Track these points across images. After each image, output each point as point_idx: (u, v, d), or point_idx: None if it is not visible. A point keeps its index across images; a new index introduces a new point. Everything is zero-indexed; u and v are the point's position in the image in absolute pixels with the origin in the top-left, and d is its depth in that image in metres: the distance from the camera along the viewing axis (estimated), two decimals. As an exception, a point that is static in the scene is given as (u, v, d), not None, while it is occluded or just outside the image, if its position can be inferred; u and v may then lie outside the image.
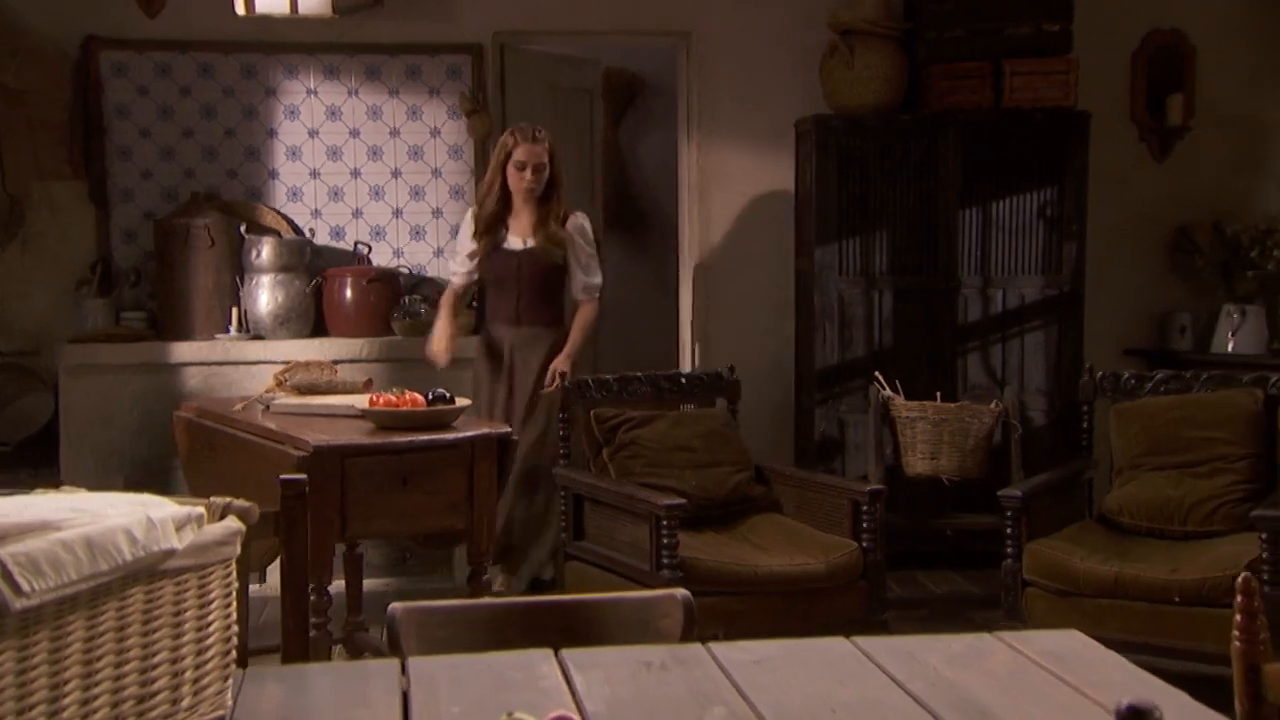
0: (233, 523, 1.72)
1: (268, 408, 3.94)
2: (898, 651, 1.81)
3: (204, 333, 5.55)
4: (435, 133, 5.89)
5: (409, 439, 3.56)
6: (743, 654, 1.87)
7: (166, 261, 5.55)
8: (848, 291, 5.60)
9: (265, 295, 5.56)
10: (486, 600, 2.24)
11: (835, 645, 1.88)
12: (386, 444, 3.54)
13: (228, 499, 1.74)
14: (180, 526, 1.63)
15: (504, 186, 4.79)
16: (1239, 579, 1.62)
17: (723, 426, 4.70)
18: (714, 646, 1.91)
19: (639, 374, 4.75)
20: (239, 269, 5.61)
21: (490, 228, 4.82)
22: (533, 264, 4.81)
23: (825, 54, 5.75)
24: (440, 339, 4.92)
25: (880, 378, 4.77)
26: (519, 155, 4.74)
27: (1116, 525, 4.28)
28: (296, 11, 5.51)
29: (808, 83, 5.82)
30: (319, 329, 5.68)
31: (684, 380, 4.79)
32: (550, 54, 6.28)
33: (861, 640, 1.88)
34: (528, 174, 4.74)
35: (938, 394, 4.82)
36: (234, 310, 5.56)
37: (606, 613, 2.14)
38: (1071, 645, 1.81)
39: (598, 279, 4.94)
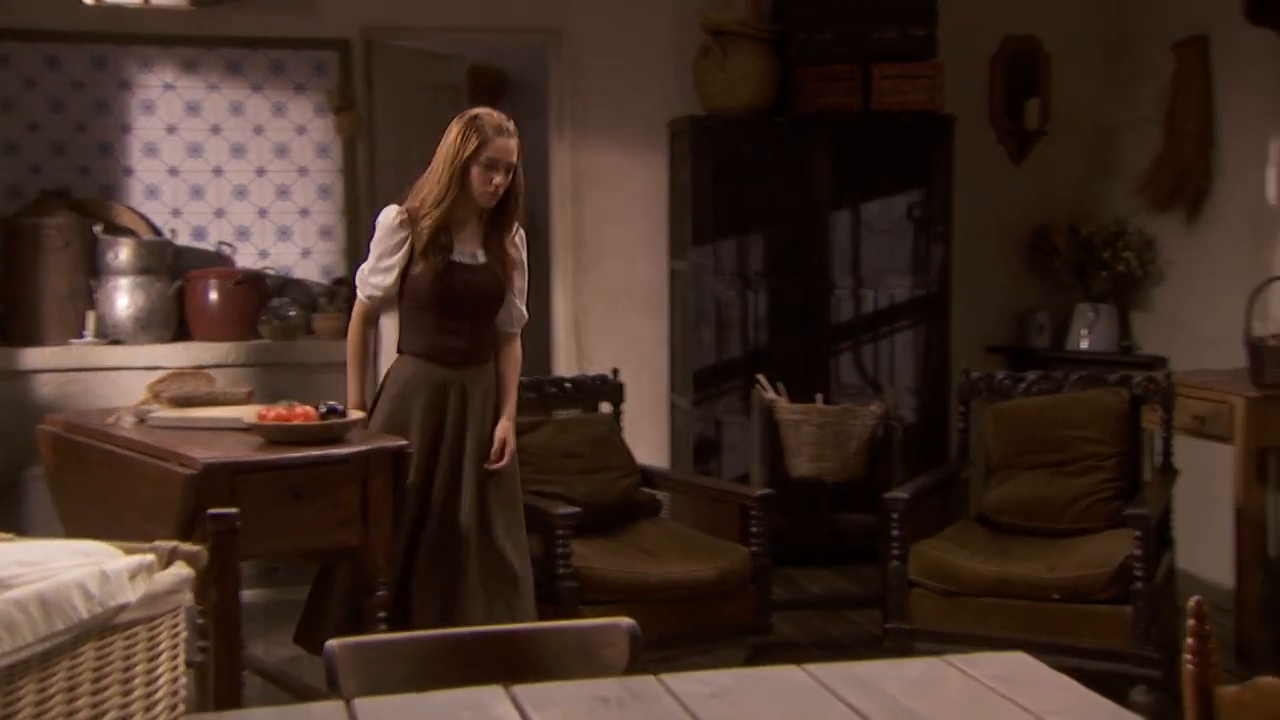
0: (181, 569, 1.64)
1: (143, 421, 3.77)
2: (853, 680, 1.83)
3: (56, 338, 5.30)
4: (301, 130, 5.73)
5: (301, 454, 3.46)
6: (697, 685, 1.87)
7: (14, 263, 5.28)
8: (723, 292, 5.65)
9: (124, 298, 5.34)
10: (427, 632, 2.18)
11: (788, 674, 1.89)
12: (278, 460, 3.43)
13: (173, 543, 1.66)
14: (133, 576, 1.55)
15: (459, 187, 3.68)
16: (1191, 603, 1.67)
17: (608, 431, 4.69)
18: (666, 678, 1.90)
19: (523, 379, 4.70)
20: (94, 271, 5.36)
21: (436, 238, 3.70)
22: (492, 285, 3.79)
23: (698, 55, 5.78)
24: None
25: (764, 380, 4.81)
26: (490, 152, 3.65)
27: (995, 524, 4.41)
28: (149, 2, 5.30)
29: (681, 83, 5.84)
30: (181, 333, 5.48)
31: (568, 385, 4.77)
32: (418, 50, 6.16)
33: (813, 668, 1.89)
34: (498, 176, 3.68)
35: (819, 396, 4.88)
36: (89, 314, 5.32)
37: (549, 643, 2.11)
38: (1020, 668, 1.85)
39: (524, 310, 4.00)
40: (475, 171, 3.66)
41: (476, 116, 3.70)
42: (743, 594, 4.21)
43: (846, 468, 4.59)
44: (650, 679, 1.91)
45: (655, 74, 5.92)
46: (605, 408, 4.82)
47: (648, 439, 5.53)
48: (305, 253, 5.75)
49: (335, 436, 3.56)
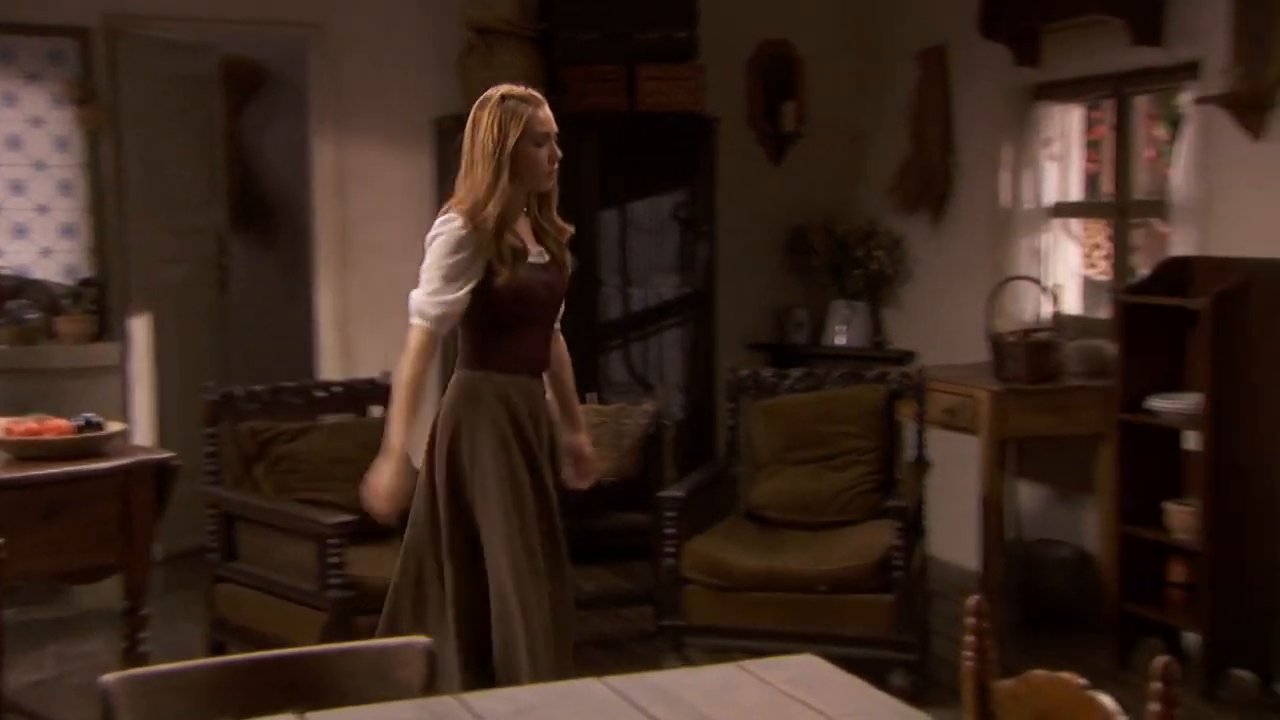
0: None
1: None
2: (653, 690, 1.86)
3: None
4: (36, 122, 5.40)
5: (53, 470, 3.27)
6: (500, 704, 1.86)
7: None
8: (493, 292, 5.61)
9: None
10: (209, 660, 2.09)
11: (589, 688, 1.90)
12: (27, 477, 3.24)
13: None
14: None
15: (511, 177, 3.16)
16: (970, 601, 1.76)
17: (380, 436, 4.60)
18: (468, 698, 1.89)
19: (291, 384, 4.57)
20: None
21: (508, 241, 3.18)
22: (561, 282, 3.38)
23: (463, 52, 5.73)
24: (390, 474, 3.26)
25: (537, 381, 4.81)
26: (538, 126, 3.16)
27: (764, 519, 4.54)
28: None
29: (446, 80, 5.78)
30: (-93, 337, 5.09)
31: (338, 388, 4.65)
32: (166, 40, 5.89)
33: (613, 681, 1.91)
34: (552, 150, 3.22)
35: (593, 395, 4.91)
36: None
37: (341, 665, 2.06)
38: (811, 670, 1.92)
39: None
40: (529, 152, 3.18)
41: (505, 96, 3.20)
42: (518, 597, 4.20)
43: (621, 467, 4.64)
44: (450, 699, 1.89)
45: (420, 70, 5.84)
46: (377, 411, 4.72)
47: (419, 441, 5.44)
48: (45, 252, 5.42)
49: (92, 451, 3.38)
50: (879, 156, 6.12)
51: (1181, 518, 4.20)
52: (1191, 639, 4.27)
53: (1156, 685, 1.42)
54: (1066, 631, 4.75)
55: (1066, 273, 5.40)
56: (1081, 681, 1.56)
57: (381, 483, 3.25)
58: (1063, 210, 5.39)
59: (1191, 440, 4.25)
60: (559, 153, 3.25)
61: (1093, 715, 1.53)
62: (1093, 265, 5.57)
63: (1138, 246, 5.17)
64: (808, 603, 4.07)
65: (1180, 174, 4.67)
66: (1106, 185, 5.35)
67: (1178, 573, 4.32)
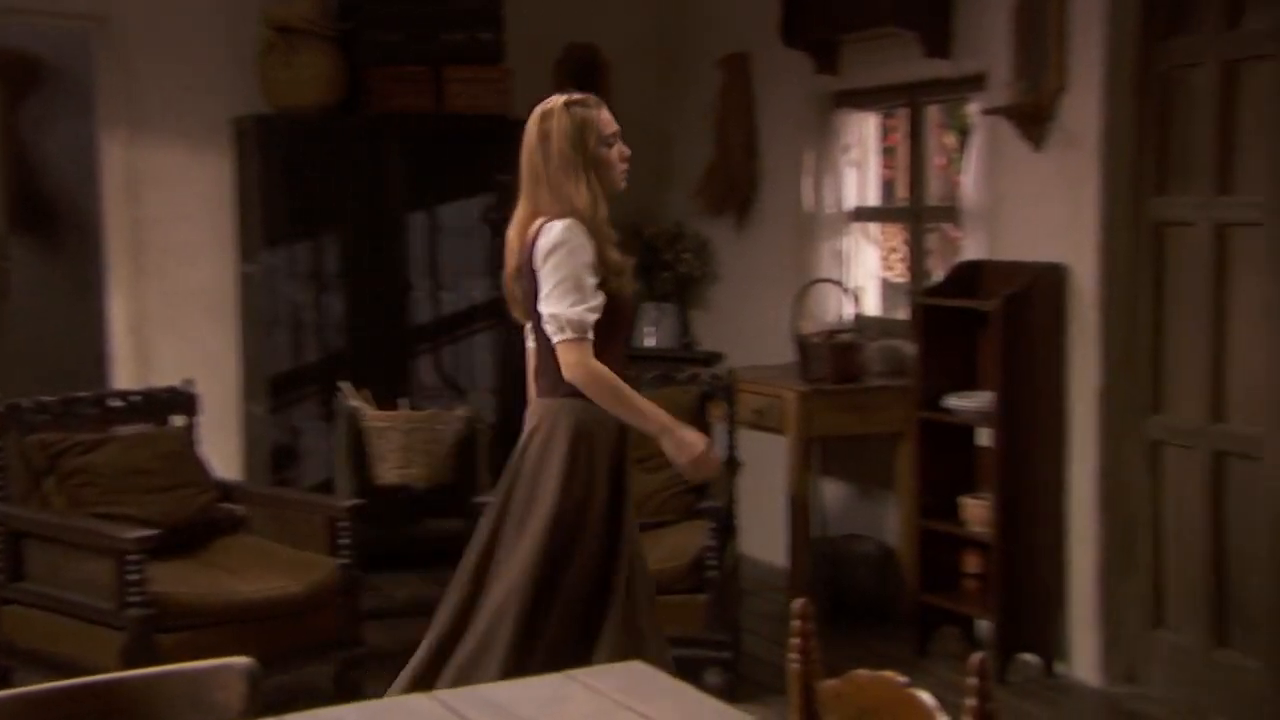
0: None
1: None
2: (485, 704, 1.85)
3: None
4: None
5: None
6: (326, 725, 1.83)
7: None
8: (299, 295, 5.50)
9: None
10: (11, 692, 1.98)
11: (420, 704, 1.88)
12: None
13: None
14: None
15: (599, 182, 3.10)
16: (795, 605, 1.81)
17: (181, 445, 4.46)
18: (288, 719, 1.85)
19: (84, 393, 4.38)
20: None
21: (608, 245, 3.09)
22: (636, 293, 3.26)
23: (261, 50, 5.58)
24: (694, 433, 3.20)
25: (347, 387, 4.73)
26: (607, 125, 3.13)
27: (579, 521, 4.55)
28: None
29: (244, 79, 5.61)
30: None
31: (135, 398, 4.48)
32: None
33: (444, 695, 1.89)
34: (623, 147, 3.17)
35: (405, 401, 4.86)
36: None
37: (153, 690, 1.99)
38: (640, 677, 1.94)
39: None
40: (605, 154, 3.12)
41: (572, 100, 3.15)
42: (332, 608, 4.13)
43: (435, 473, 4.60)
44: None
45: (217, 69, 5.66)
46: (177, 420, 4.57)
47: (222, 450, 5.28)
48: None
49: None
50: (685, 160, 6.22)
51: (975, 511, 4.40)
52: (984, 626, 4.47)
53: (972, 680, 1.48)
54: (870, 623, 4.91)
55: (866, 275, 5.59)
56: (902, 680, 1.63)
57: (697, 439, 3.16)
58: (862, 215, 5.58)
59: (984, 436, 4.45)
60: (628, 150, 3.18)
61: (913, 712, 1.59)
62: (890, 268, 5.79)
63: (932, 250, 5.39)
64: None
65: (969, 181, 4.89)
66: (902, 191, 5.56)
67: (972, 564, 4.52)
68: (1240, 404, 3.93)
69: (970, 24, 4.72)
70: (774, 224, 5.77)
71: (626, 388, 3.07)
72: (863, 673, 1.70)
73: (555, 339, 3.03)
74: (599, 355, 3.06)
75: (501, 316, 5.76)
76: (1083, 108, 4.23)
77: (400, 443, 4.54)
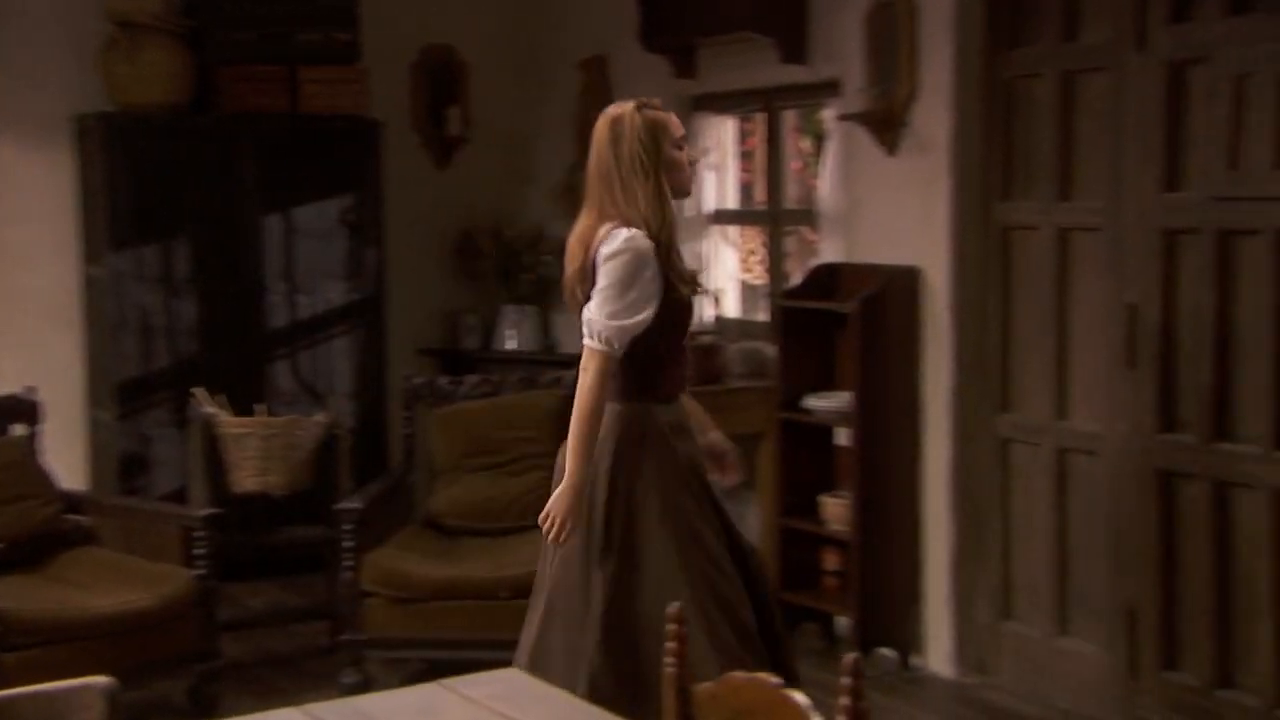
0: None
1: None
2: (356, 715, 1.83)
3: None
4: None
5: None
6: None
7: None
8: (148, 299, 5.34)
9: None
10: None
11: (288, 715, 1.85)
12: None
13: None
14: None
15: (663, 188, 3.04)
16: (670, 609, 1.83)
17: (23, 456, 4.30)
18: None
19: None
20: None
21: (675, 250, 3.06)
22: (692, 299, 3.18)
23: (104, 46, 5.41)
24: (574, 505, 2.98)
25: (201, 394, 4.61)
26: (677, 129, 3.09)
27: (443, 528, 4.53)
28: None
29: (86, 76, 5.43)
30: None
31: (-26, 408, 4.30)
32: None
33: (314, 708, 1.87)
34: (690, 153, 3.15)
35: (262, 407, 4.75)
36: None
37: (6, 715, 1.92)
38: (514, 685, 1.94)
39: None
40: (676, 158, 3.06)
41: (643, 104, 3.09)
42: (187, 620, 4.03)
43: (294, 480, 4.52)
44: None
45: (57, 65, 5.46)
46: (17, 429, 4.40)
47: (66, 460, 5.09)
48: None
49: None
50: (545, 162, 6.21)
51: (835, 510, 4.49)
52: (843, 623, 4.57)
53: (845, 680, 1.51)
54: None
55: (726, 277, 5.66)
56: (776, 681, 1.66)
57: (564, 510, 2.95)
58: (721, 218, 5.64)
59: (843, 436, 4.55)
60: (696, 155, 3.08)
61: (787, 713, 1.62)
62: (749, 270, 5.87)
63: (790, 253, 5.48)
64: (489, 609, 4.08)
65: (826, 185, 5.00)
66: (760, 194, 5.64)
67: (831, 561, 4.62)
68: (1081, 401, 4.09)
69: (825, 31, 4.82)
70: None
71: (588, 425, 2.97)
72: (738, 675, 1.73)
73: (584, 340, 3.00)
74: (662, 362, 3.05)
75: (361, 320, 5.70)
76: (934, 114, 4.36)
77: (258, 449, 4.46)
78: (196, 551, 4.06)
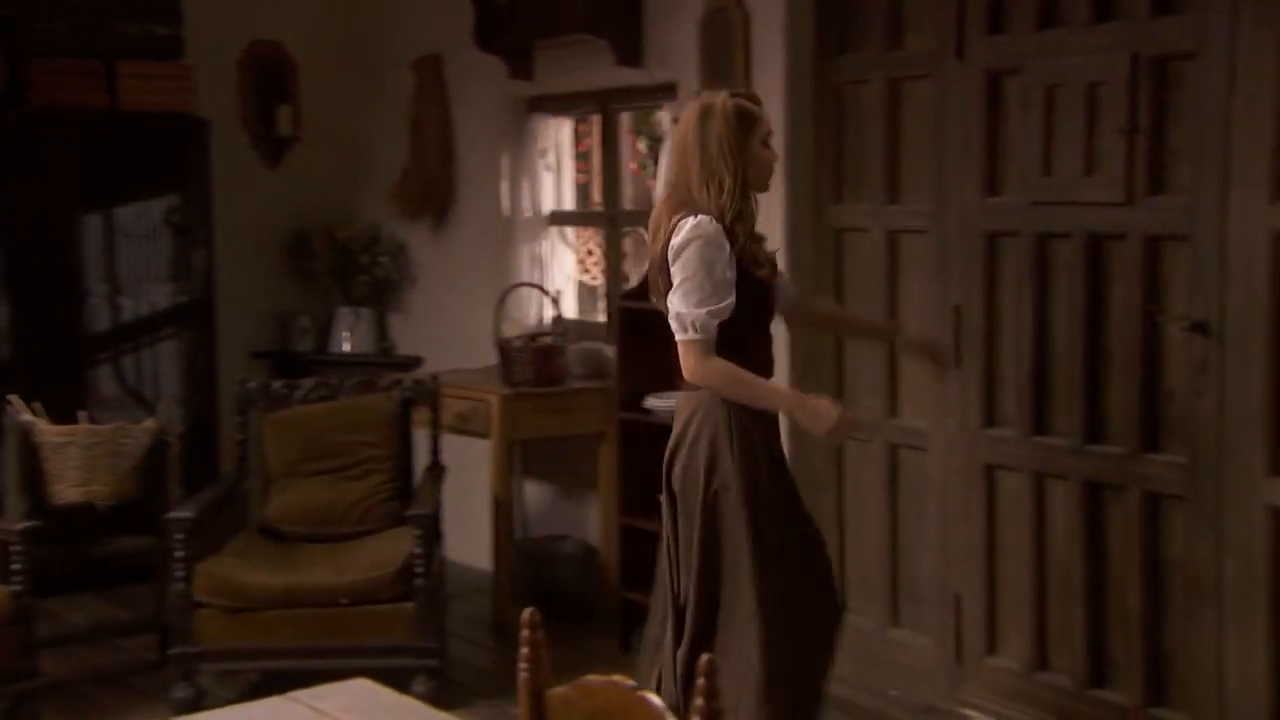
0: None
1: None
2: (201, 734, 1.78)
3: None
4: None
5: None
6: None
7: None
8: (-45, 303, 5.09)
9: None
10: None
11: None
12: None
13: None
14: None
15: (745, 180, 3.10)
16: (525, 614, 1.83)
17: None
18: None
19: None
20: None
21: (754, 238, 3.16)
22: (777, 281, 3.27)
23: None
24: (823, 403, 3.13)
25: (17, 401, 4.41)
26: (766, 125, 3.15)
27: (279, 534, 4.44)
28: None
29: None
30: None
31: None
32: None
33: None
34: (774, 149, 3.22)
35: (84, 414, 4.57)
36: None
37: None
38: (364, 695, 1.92)
39: None
40: (762, 154, 3.13)
41: (736, 94, 3.15)
42: (3, 638, 3.85)
43: (120, 489, 4.36)
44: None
45: None
46: None
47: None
48: None
49: None
50: (379, 162, 6.13)
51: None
52: (685, 617, 4.62)
53: (700, 681, 1.54)
54: (575, 621, 4.98)
55: (564, 278, 5.68)
56: (631, 684, 1.67)
57: (828, 407, 3.10)
58: (558, 219, 5.66)
59: (682, 435, 4.59)
60: (778, 154, 3.23)
61: (641, 714, 1.64)
62: (586, 271, 5.89)
63: (628, 254, 5.52)
64: (329, 617, 4.02)
65: (661, 187, 5.04)
66: (596, 195, 5.67)
67: (673, 558, 4.65)
68: (911, 399, 4.22)
69: (661, 34, 4.87)
70: (472, 227, 5.77)
71: (747, 376, 3.07)
72: (593, 678, 1.73)
73: (678, 337, 3.08)
74: (746, 343, 3.12)
75: (189, 323, 5.53)
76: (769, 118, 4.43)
77: (80, 459, 4.29)
78: (13, 566, 3.89)
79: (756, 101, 3.18)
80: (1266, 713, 3.34)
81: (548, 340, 4.98)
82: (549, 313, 5.34)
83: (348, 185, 6.25)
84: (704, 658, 1.56)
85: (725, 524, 3.08)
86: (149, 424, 4.47)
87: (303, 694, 1.91)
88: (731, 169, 3.06)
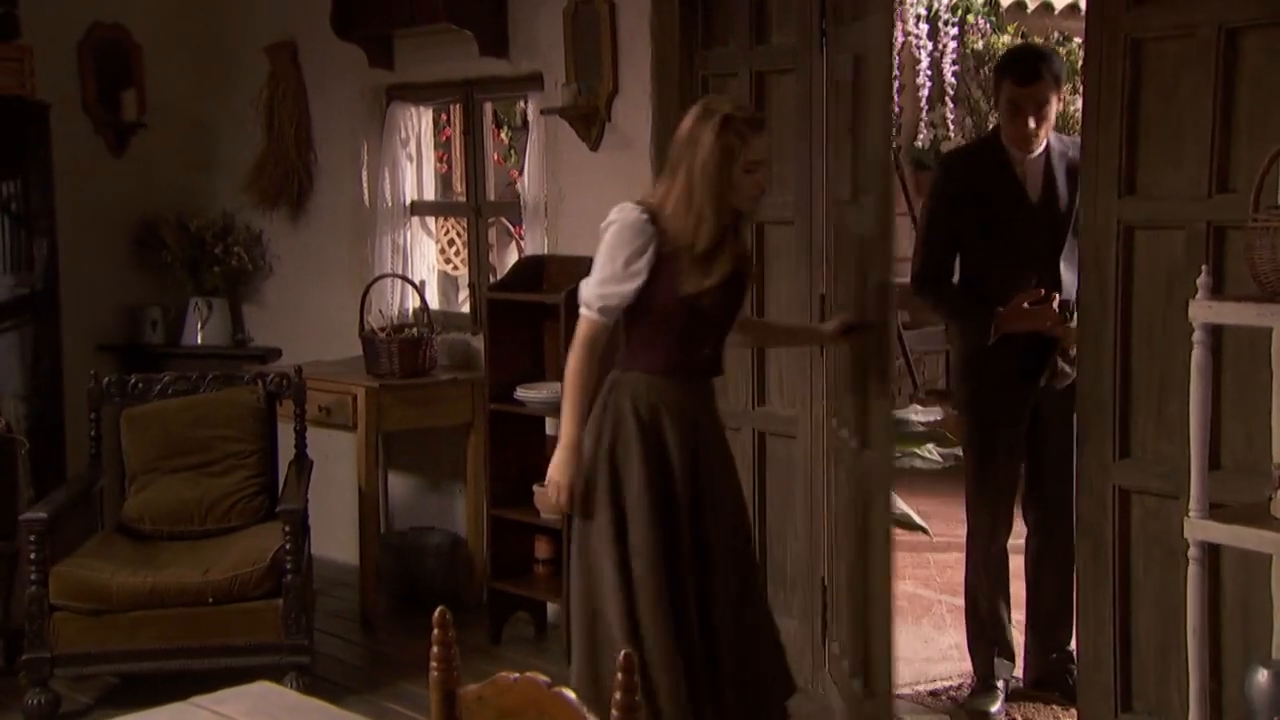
0: None
1: None
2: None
3: None
4: None
5: None
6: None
7: None
8: None
9: None
10: None
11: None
12: None
13: None
14: None
15: (722, 195, 3.11)
16: (436, 613, 1.83)
17: None
18: None
19: None
20: None
21: (714, 255, 3.14)
22: (745, 293, 3.33)
23: None
24: (570, 465, 3.13)
25: None
26: (752, 155, 3.12)
27: (138, 533, 4.31)
28: None
29: None
30: None
31: None
32: None
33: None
34: (761, 176, 3.20)
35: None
36: None
37: None
38: (269, 699, 1.89)
39: None
40: (742, 181, 3.12)
41: (729, 118, 3.09)
42: None
43: (-36, 492, 4.18)
44: None
45: None
46: None
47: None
48: None
49: None
50: (232, 149, 5.96)
51: (547, 499, 4.53)
52: (553, 609, 4.64)
53: (619, 676, 1.56)
54: (443, 613, 4.96)
55: (426, 268, 5.62)
56: (545, 679, 1.68)
57: (556, 476, 3.13)
58: (419, 209, 5.59)
59: (553, 426, 4.60)
60: (764, 183, 3.24)
61: (557, 710, 1.65)
62: (449, 261, 5.85)
63: (492, 244, 5.50)
64: (193, 616, 3.94)
65: (528, 178, 5.04)
66: (458, 185, 5.63)
67: (544, 550, 4.67)
68: (778, 388, 4.31)
69: (525, 26, 4.86)
70: (331, 216, 5.67)
71: (581, 385, 3.13)
72: (505, 675, 1.74)
73: (580, 310, 3.17)
74: (668, 339, 3.14)
75: (30, 315, 5.31)
76: (635, 111, 4.47)
77: (-78, 461, 4.09)
78: None
79: (759, 123, 3.19)
80: (1113, 690, 3.51)
81: (413, 331, 4.93)
82: (412, 303, 5.29)
83: (198, 173, 6.07)
84: (624, 653, 1.59)
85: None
86: (-4, 423, 4.30)
87: (204, 699, 1.88)
88: (712, 192, 3.09)
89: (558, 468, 3.14)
